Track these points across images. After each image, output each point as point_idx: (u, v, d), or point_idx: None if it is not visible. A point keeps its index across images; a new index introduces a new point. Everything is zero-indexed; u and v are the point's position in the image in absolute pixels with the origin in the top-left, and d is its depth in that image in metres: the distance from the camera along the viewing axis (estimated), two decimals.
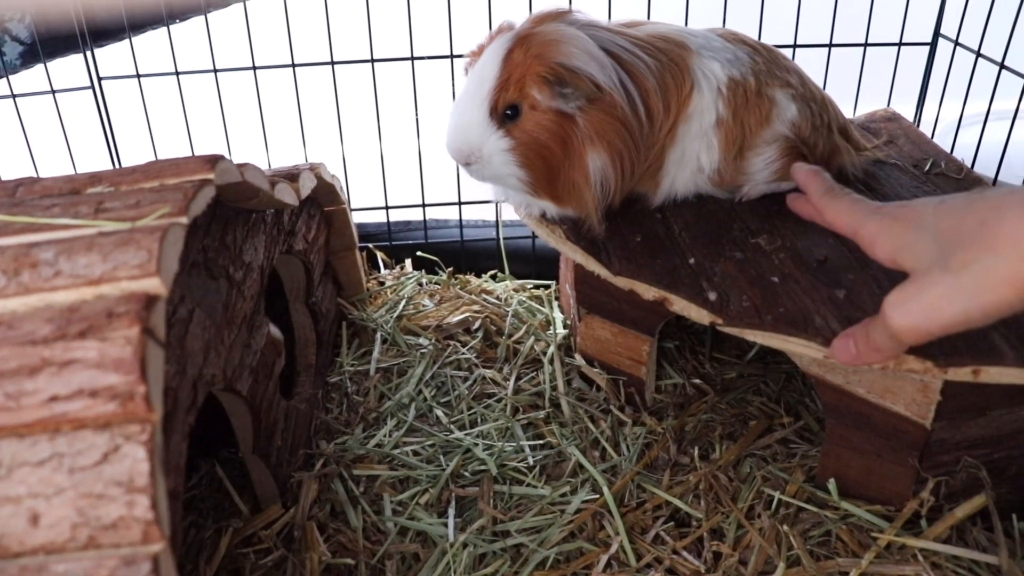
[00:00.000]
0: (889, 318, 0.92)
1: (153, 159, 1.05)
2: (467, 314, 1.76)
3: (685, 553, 1.21)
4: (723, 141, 1.37)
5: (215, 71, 1.78)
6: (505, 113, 1.28)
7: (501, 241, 1.95)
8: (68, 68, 1.84)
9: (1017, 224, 0.81)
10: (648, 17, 1.74)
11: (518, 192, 1.37)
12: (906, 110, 1.89)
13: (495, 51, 1.28)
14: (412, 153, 1.88)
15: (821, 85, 1.53)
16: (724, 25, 1.73)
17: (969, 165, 1.60)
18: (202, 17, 1.78)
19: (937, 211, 0.90)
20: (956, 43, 1.75)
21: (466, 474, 1.38)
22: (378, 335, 1.71)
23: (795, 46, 1.81)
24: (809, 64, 1.55)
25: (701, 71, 1.35)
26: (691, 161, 1.40)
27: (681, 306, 1.25)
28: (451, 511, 1.30)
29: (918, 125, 1.89)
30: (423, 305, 1.82)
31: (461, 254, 1.99)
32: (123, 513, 0.73)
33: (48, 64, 1.79)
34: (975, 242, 0.84)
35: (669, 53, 1.34)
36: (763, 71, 1.38)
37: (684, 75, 1.34)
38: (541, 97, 1.25)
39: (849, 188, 1.09)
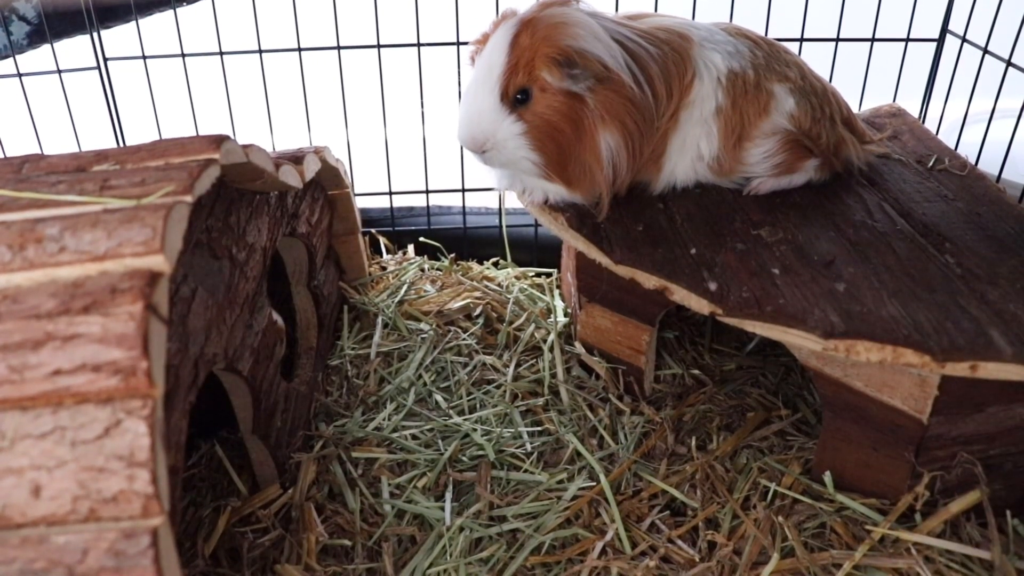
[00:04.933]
0: None
1: (158, 139, 1.06)
2: (468, 300, 1.77)
3: (680, 542, 1.22)
4: (722, 129, 1.39)
5: (221, 54, 1.78)
6: (516, 97, 1.29)
7: (504, 228, 1.95)
8: (74, 49, 1.84)
9: None
10: (656, 10, 1.74)
11: (530, 176, 1.38)
12: (912, 106, 1.88)
13: (501, 37, 1.29)
14: (416, 139, 1.88)
15: (827, 79, 1.53)
16: (732, 18, 1.73)
17: (973, 163, 1.60)
18: (209, 0, 1.77)
19: None
20: (963, 40, 1.74)
21: (464, 459, 1.39)
22: (379, 319, 1.72)
23: (802, 40, 1.81)
24: (816, 58, 1.55)
25: (703, 61, 1.36)
26: (691, 148, 1.41)
27: (681, 295, 1.25)
28: (448, 495, 1.31)
29: (923, 122, 1.89)
30: (424, 291, 1.83)
31: (463, 241, 2.00)
32: (123, 487, 0.74)
33: (55, 44, 1.79)
34: None
35: (672, 43, 1.36)
36: (762, 65, 1.39)
37: (686, 63, 1.35)
38: (551, 79, 1.26)
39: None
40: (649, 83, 1.31)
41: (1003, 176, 1.65)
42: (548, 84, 1.27)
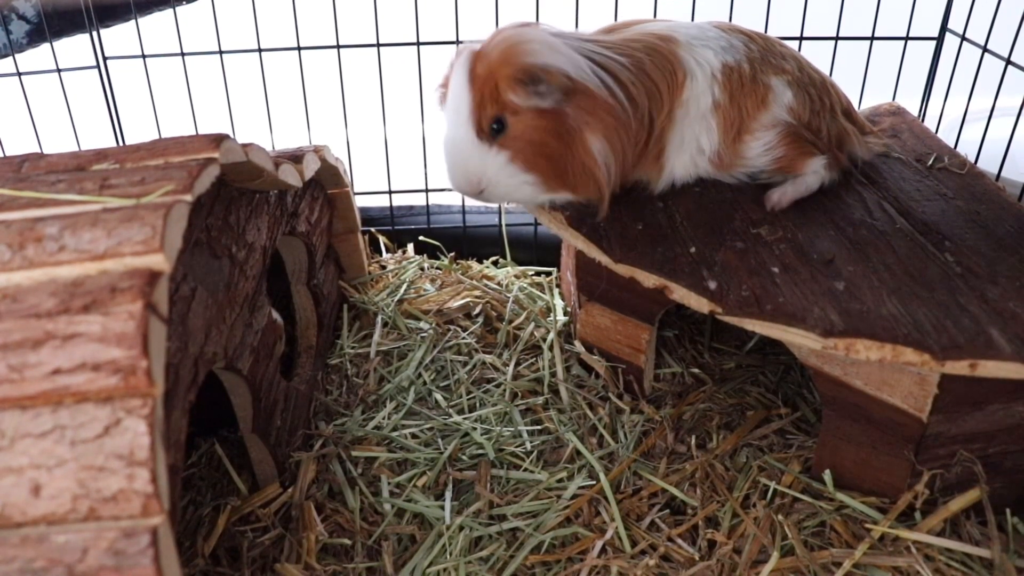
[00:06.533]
0: None
1: (158, 138, 1.06)
2: (468, 299, 1.77)
3: (680, 540, 1.22)
4: (721, 123, 1.39)
5: (220, 53, 1.78)
6: (492, 128, 1.28)
7: (503, 227, 1.95)
8: (74, 48, 1.84)
9: None
10: (655, 14, 1.74)
11: (537, 195, 1.36)
12: (911, 104, 1.89)
13: (459, 74, 1.28)
14: (416, 138, 1.88)
15: None
16: (731, 18, 1.73)
17: (972, 161, 1.60)
18: None
19: None
20: (963, 38, 1.74)
21: (464, 458, 1.39)
22: (379, 318, 1.72)
23: (801, 38, 1.81)
24: (816, 57, 1.55)
25: (694, 59, 1.35)
26: (691, 144, 1.41)
27: (681, 294, 1.25)
28: (448, 494, 1.31)
29: (923, 120, 1.89)
30: (424, 289, 1.83)
31: (463, 239, 2.00)
32: (123, 486, 0.74)
33: (54, 43, 1.79)
34: None
35: (654, 47, 1.35)
36: (757, 58, 1.39)
37: (675, 65, 1.35)
38: (518, 99, 1.24)
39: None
40: (622, 87, 1.29)
41: (1002, 174, 1.65)
42: (517, 106, 1.25)
